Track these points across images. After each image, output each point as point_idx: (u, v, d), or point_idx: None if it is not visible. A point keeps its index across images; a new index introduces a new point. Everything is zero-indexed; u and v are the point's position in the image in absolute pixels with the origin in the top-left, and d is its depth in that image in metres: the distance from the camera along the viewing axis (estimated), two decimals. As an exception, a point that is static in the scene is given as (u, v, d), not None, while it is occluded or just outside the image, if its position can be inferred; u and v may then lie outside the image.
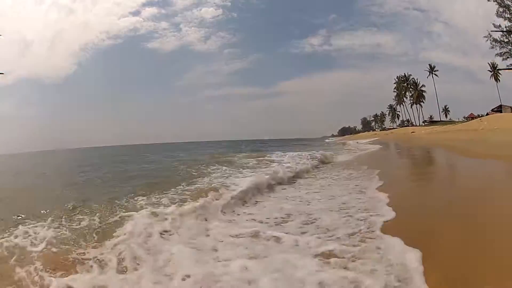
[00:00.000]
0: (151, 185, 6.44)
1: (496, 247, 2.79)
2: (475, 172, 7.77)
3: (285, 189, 7.08)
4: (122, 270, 2.69)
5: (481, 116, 55.65)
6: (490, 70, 61.98)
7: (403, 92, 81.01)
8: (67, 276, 2.56)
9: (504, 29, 39.01)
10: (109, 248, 2.97)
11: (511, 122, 26.73)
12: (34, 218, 3.73)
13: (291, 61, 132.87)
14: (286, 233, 3.64)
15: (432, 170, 9.80)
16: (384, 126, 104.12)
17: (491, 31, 39.66)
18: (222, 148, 29.18)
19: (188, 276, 2.60)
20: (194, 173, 8.42)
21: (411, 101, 79.10)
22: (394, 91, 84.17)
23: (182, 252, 2.98)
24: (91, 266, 2.72)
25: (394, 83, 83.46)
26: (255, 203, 5.50)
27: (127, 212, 4.06)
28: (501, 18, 39.45)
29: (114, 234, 3.28)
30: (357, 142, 41.17)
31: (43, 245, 2.97)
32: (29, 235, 3.19)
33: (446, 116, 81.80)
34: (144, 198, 4.87)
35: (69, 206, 4.41)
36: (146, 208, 4.16)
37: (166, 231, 3.48)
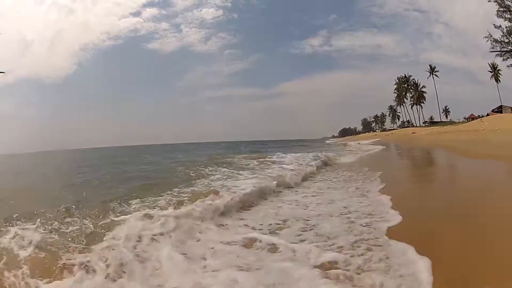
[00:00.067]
0: (148, 187, 6.37)
1: (497, 247, 2.75)
2: (478, 173, 7.68)
3: (281, 192, 6.79)
4: (107, 279, 2.57)
5: (482, 116, 55.59)
6: (491, 70, 61.96)
7: (404, 93, 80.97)
8: (51, 282, 2.46)
9: (505, 29, 38.96)
10: (96, 254, 2.86)
11: (511, 122, 26.64)
12: (26, 219, 3.63)
13: (291, 62, 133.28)
14: (282, 240, 3.39)
15: (434, 171, 9.72)
16: (384, 127, 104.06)
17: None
18: (221, 149, 29.11)
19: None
20: (192, 175, 8.32)
21: (412, 102, 79.11)
22: (395, 92, 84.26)
23: (171, 259, 2.85)
24: (77, 272, 2.61)
25: (395, 84, 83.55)
26: (250, 207, 5.28)
27: (121, 214, 3.95)
28: (501, 19, 39.45)
29: (104, 238, 3.16)
30: (359, 143, 41.08)
31: (31, 249, 2.86)
32: (19, 238, 3.09)
33: (446, 116, 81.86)
34: (140, 200, 4.75)
35: (62, 208, 4.31)
36: (140, 210, 4.03)
37: (157, 235, 3.33)
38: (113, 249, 2.94)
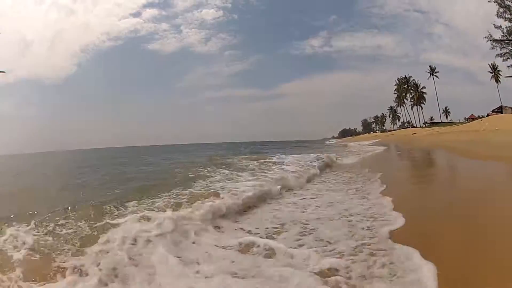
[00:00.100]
0: (146, 188, 6.31)
1: (498, 248, 2.73)
2: (479, 173, 7.63)
3: (280, 193, 6.59)
4: (99, 282, 2.50)
5: (482, 117, 55.58)
6: (491, 71, 61.99)
7: (404, 94, 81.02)
8: (43, 285, 2.42)
9: (505, 30, 38.94)
10: (90, 257, 2.80)
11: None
12: (22, 220, 3.59)
13: (292, 63, 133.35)
14: (281, 245, 3.26)
15: (435, 172, 9.68)
16: (384, 128, 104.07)
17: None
18: (221, 150, 29.04)
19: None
20: (191, 176, 8.26)
21: (412, 103, 79.11)
22: (395, 93, 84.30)
23: (165, 263, 2.77)
24: (70, 276, 2.55)
25: (395, 85, 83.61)
26: (249, 210, 5.14)
27: (117, 216, 3.89)
28: (501, 19, 39.41)
29: (99, 241, 3.10)
30: (359, 144, 41.05)
31: (24, 251, 2.81)
32: (13, 239, 3.05)
33: (446, 117, 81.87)
34: (137, 202, 4.67)
35: (59, 209, 4.26)
36: (137, 213, 3.96)
37: (153, 238, 3.24)
38: (107, 252, 2.88)
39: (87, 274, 2.59)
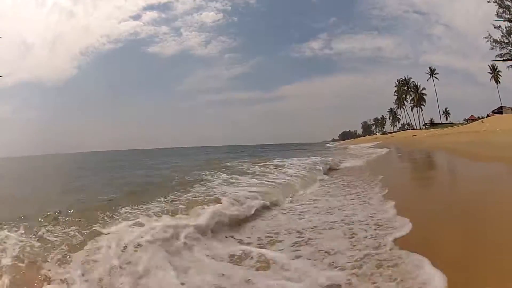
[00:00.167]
0: (142, 193, 6.18)
1: (498, 249, 2.69)
2: (481, 175, 7.53)
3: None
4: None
5: (482, 118, 55.55)
6: (490, 72, 62.14)
7: (404, 96, 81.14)
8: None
9: (504, 30, 38.98)
10: (78, 264, 2.66)
11: (513, 124, 26.54)
12: (12, 225, 3.46)
13: (292, 65, 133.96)
14: (274, 257, 3.00)
15: (438, 175, 9.56)
16: (384, 130, 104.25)
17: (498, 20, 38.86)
18: (221, 154, 28.92)
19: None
20: (189, 180, 8.11)
21: (412, 105, 79.21)
22: (395, 95, 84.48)
23: (154, 274, 2.60)
24: (56, 284, 2.41)
25: (395, 87, 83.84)
26: (247, 217, 4.75)
27: (110, 222, 3.74)
28: (501, 19, 39.46)
29: (88, 248, 2.96)
30: (359, 147, 40.93)
31: (9, 259, 2.67)
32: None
33: (446, 118, 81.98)
34: (131, 207, 4.49)
35: (51, 214, 4.13)
36: (130, 219, 3.79)
37: (144, 246, 3.07)
38: (96, 260, 2.74)
39: (74, 282, 2.45)
